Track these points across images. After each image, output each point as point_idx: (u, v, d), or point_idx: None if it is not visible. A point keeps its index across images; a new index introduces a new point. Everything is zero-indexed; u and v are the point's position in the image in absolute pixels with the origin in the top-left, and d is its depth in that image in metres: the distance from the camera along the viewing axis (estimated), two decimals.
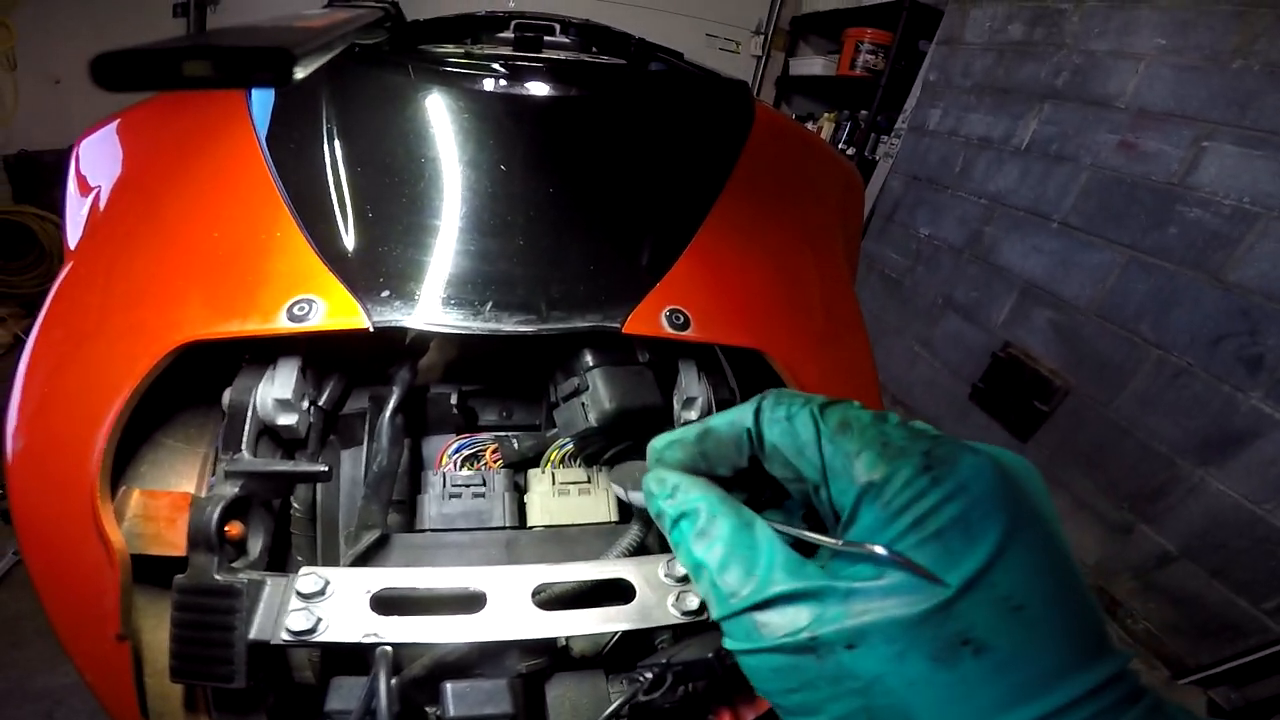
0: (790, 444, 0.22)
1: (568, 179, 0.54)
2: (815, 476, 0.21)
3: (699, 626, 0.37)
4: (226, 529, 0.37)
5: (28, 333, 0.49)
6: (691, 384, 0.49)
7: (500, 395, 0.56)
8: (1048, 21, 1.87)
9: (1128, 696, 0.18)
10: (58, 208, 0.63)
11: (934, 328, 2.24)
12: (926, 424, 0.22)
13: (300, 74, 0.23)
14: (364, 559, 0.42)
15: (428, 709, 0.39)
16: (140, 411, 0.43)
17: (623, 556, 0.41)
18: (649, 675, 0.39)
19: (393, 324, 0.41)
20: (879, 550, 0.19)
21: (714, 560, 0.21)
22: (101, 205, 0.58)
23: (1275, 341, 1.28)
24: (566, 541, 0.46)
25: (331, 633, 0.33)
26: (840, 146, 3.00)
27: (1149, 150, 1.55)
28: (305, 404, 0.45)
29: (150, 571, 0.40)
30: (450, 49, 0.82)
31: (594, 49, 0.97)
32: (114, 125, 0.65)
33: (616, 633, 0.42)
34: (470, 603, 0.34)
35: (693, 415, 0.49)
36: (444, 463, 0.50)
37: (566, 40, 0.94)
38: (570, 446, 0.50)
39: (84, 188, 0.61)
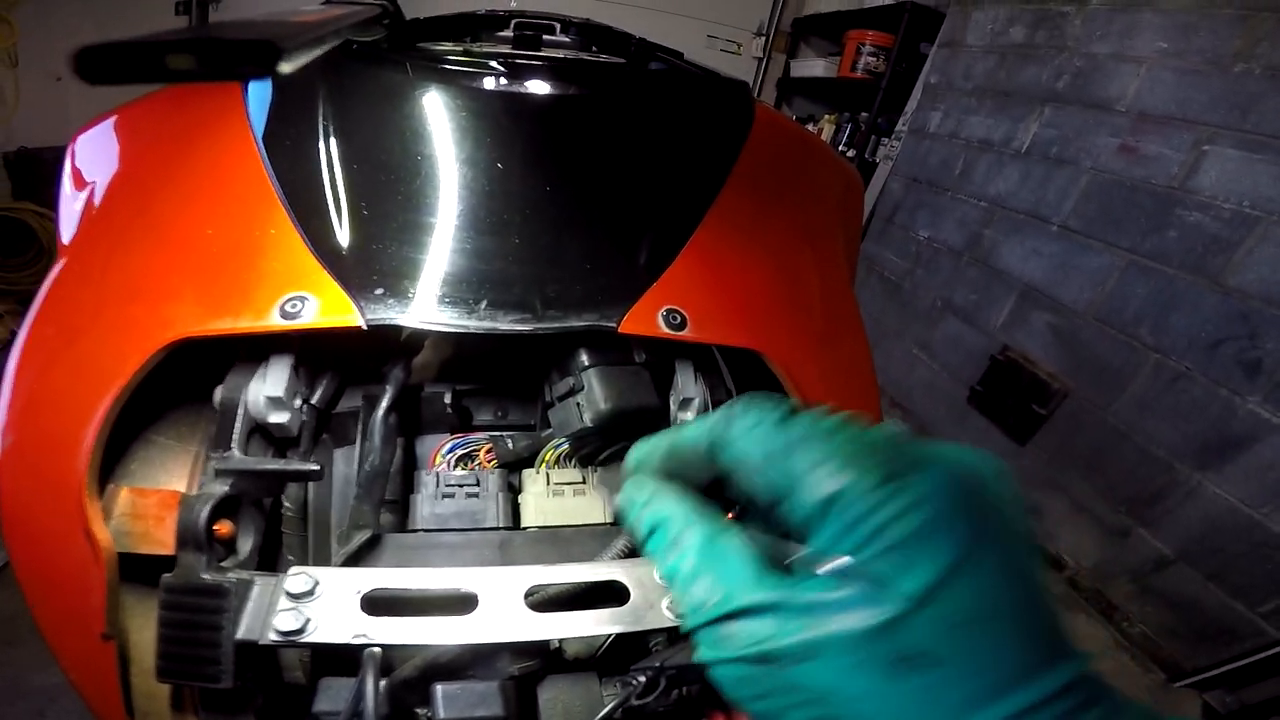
0: (750, 457, 0.22)
1: (565, 177, 0.54)
2: (777, 489, 0.21)
3: None
4: (216, 528, 0.37)
5: None
6: (688, 385, 0.49)
7: (495, 395, 0.55)
8: (1049, 24, 1.87)
9: (1083, 703, 0.18)
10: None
11: (933, 330, 2.24)
12: (894, 427, 0.22)
13: (287, 67, 0.23)
14: (355, 559, 0.41)
15: (419, 711, 0.39)
16: (132, 409, 0.43)
17: (617, 558, 0.41)
18: (642, 679, 0.38)
19: (386, 322, 0.41)
20: (838, 562, 0.19)
21: (684, 571, 0.22)
22: (96, 201, 0.58)
23: (1274, 346, 1.28)
24: (561, 543, 0.46)
25: (320, 633, 0.32)
26: (840, 148, 2.99)
27: (1149, 154, 1.55)
28: (298, 402, 0.45)
29: (139, 570, 0.40)
30: (448, 47, 0.82)
31: (594, 48, 0.97)
32: (110, 121, 0.64)
33: (610, 635, 0.42)
34: (462, 604, 0.34)
35: (689, 416, 0.49)
36: (437, 462, 0.50)
37: (566, 40, 0.94)
38: (565, 447, 0.50)
39: (79, 183, 0.61)
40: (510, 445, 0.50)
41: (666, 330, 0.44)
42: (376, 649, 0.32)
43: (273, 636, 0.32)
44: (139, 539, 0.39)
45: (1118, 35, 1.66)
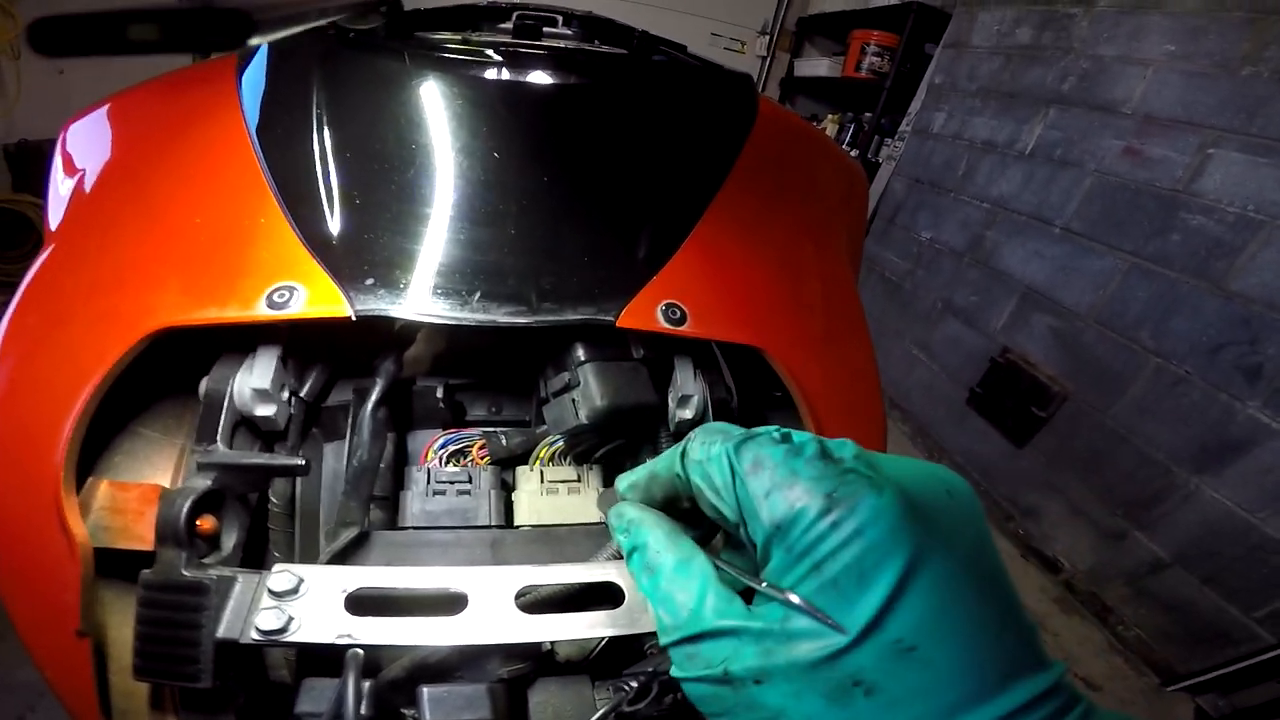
0: (709, 486, 0.23)
1: (564, 169, 0.53)
2: (734, 517, 0.22)
3: None
4: (198, 523, 0.36)
5: None
6: (687, 381, 0.48)
7: (489, 390, 0.54)
8: (1056, 26, 1.86)
9: (1049, 717, 0.18)
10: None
11: (933, 331, 2.23)
12: (850, 444, 0.22)
13: (259, 39, 0.22)
14: (342, 557, 0.40)
15: (405, 712, 0.38)
16: (117, 401, 0.41)
17: (612, 559, 0.40)
18: (635, 684, 0.37)
19: (376, 313, 0.40)
20: (792, 598, 0.20)
21: (658, 592, 0.23)
22: (85, 189, 0.57)
23: (1275, 351, 1.28)
24: (554, 542, 0.45)
25: (303, 633, 0.31)
26: (844, 148, 2.98)
27: (1154, 156, 1.54)
28: (285, 395, 0.44)
29: (119, 566, 0.39)
30: (447, 36, 0.81)
31: (596, 41, 0.96)
32: (104, 109, 0.63)
33: (603, 638, 0.41)
34: (451, 604, 0.33)
35: (688, 414, 0.48)
36: (429, 458, 0.48)
37: (568, 32, 0.93)
38: (560, 444, 0.49)
39: (69, 171, 0.60)
40: (504, 441, 0.49)
41: (665, 325, 0.43)
42: (359, 650, 0.31)
43: (254, 635, 0.31)
44: (118, 534, 0.38)
45: (1125, 37, 1.65)
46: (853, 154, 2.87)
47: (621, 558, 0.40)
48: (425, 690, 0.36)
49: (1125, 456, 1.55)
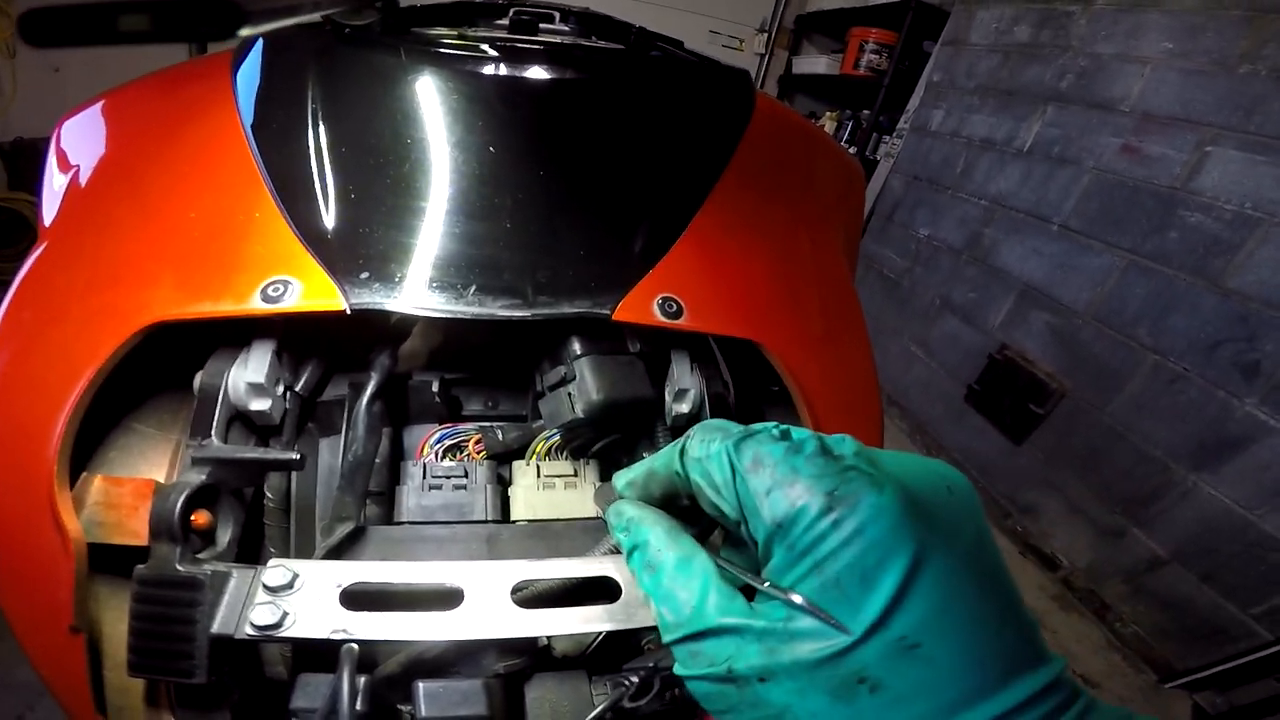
0: (709, 484, 0.23)
1: (560, 163, 0.52)
2: (734, 515, 0.22)
3: None
4: (193, 518, 0.36)
5: None
6: (684, 375, 0.47)
7: (485, 384, 0.54)
8: (1054, 24, 1.86)
9: (1052, 712, 0.18)
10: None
11: (931, 329, 2.23)
12: (849, 440, 0.22)
13: (247, 31, 0.22)
14: (337, 552, 0.40)
15: (402, 708, 0.38)
16: (112, 396, 0.41)
17: (608, 554, 0.40)
18: (635, 679, 0.37)
19: (371, 307, 0.40)
20: (794, 598, 0.20)
21: (659, 591, 0.23)
22: (79, 185, 0.56)
23: (1273, 348, 1.28)
24: (550, 537, 0.44)
25: (298, 628, 0.31)
26: (842, 145, 2.98)
27: (1152, 154, 1.55)
28: (280, 389, 0.43)
29: (113, 561, 0.38)
30: (443, 31, 0.80)
31: (593, 37, 0.95)
32: (98, 105, 0.63)
33: (600, 633, 0.41)
34: (446, 599, 0.33)
35: (684, 408, 0.47)
36: (425, 453, 0.48)
37: (565, 28, 0.92)
38: (556, 439, 0.49)
39: (63, 166, 0.59)
40: (500, 436, 0.49)
41: (662, 319, 0.43)
42: (354, 645, 0.31)
43: (248, 631, 0.31)
44: (112, 529, 0.38)
45: (1123, 35, 1.65)
46: (851, 151, 2.87)
47: (619, 552, 0.40)
48: (421, 685, 0.36)
49: (1123, 453, 1.55)
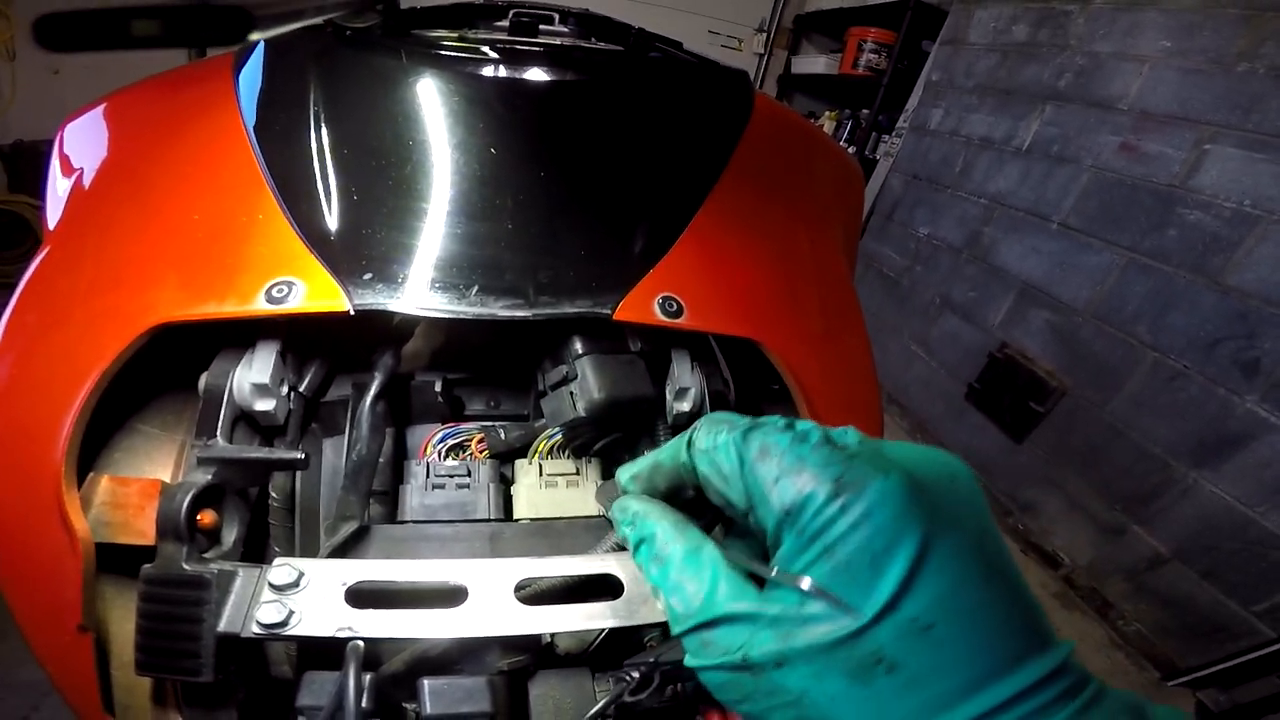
0: (717, 474, 0.23)
1: (560, 164, 0.53)
2: (743, 504, 0.22)
3: None
4: (198, 517, 0.36)
5: None
6: (684, 374, 0.48)
7: (488, 384, 0.54)
8: (1053, 23, 1.86)
9: (1064, 694, 0.18)
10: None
11: (931, 327, 2.24)
12: (853, 431, 0.22)
13: (257, 35, 0.22)
14: (342, 551, 0.40)
15: (406, 706, 0.38)
16: (117, 397, 0.42)
17: (611, 551, 0.40)
18: (635, 675, 0.37)
19: (374, 307, 0.40)
20: (804, 583, 0.20)
21: (668, 582, 0.23)
22: (83, 188, 0.57)
23: (1272, 345, 1.28)
24: (553, 535, 0.45)
25: (304, 626, 0.31)
26: (841, 145, 2.98)
27: (1150, 152, 1.55)
28: (284, 389, 0.44)
29: (120, 561, 0.39)
30: (444, 33, 0.81)
31: (592, 38, 0.96)
32: (100, 109, 0.63)
33: (603, 630, 0.41)
34: (450, 597, 0.33)
35: (685, 406, 0.48)
36: (428, 452, 0.49)
37: (564, 29, 0.93)
38: (559, 437, 0.49)
39: (66, 170, 0.60)
40: (502, 435, 0.49)
41: (662, 318, 0.43)
42: (360, 642, 0.31)
43: (254, 629, 0.31)
44: (119, 529, 0.38)
45: (1121, 34, 1.65)
46: (850, 151, 2.87)
47: (622, 549, 0.40)
48: (426, 682, 0.36)
49: (1123, 451, 1.55)
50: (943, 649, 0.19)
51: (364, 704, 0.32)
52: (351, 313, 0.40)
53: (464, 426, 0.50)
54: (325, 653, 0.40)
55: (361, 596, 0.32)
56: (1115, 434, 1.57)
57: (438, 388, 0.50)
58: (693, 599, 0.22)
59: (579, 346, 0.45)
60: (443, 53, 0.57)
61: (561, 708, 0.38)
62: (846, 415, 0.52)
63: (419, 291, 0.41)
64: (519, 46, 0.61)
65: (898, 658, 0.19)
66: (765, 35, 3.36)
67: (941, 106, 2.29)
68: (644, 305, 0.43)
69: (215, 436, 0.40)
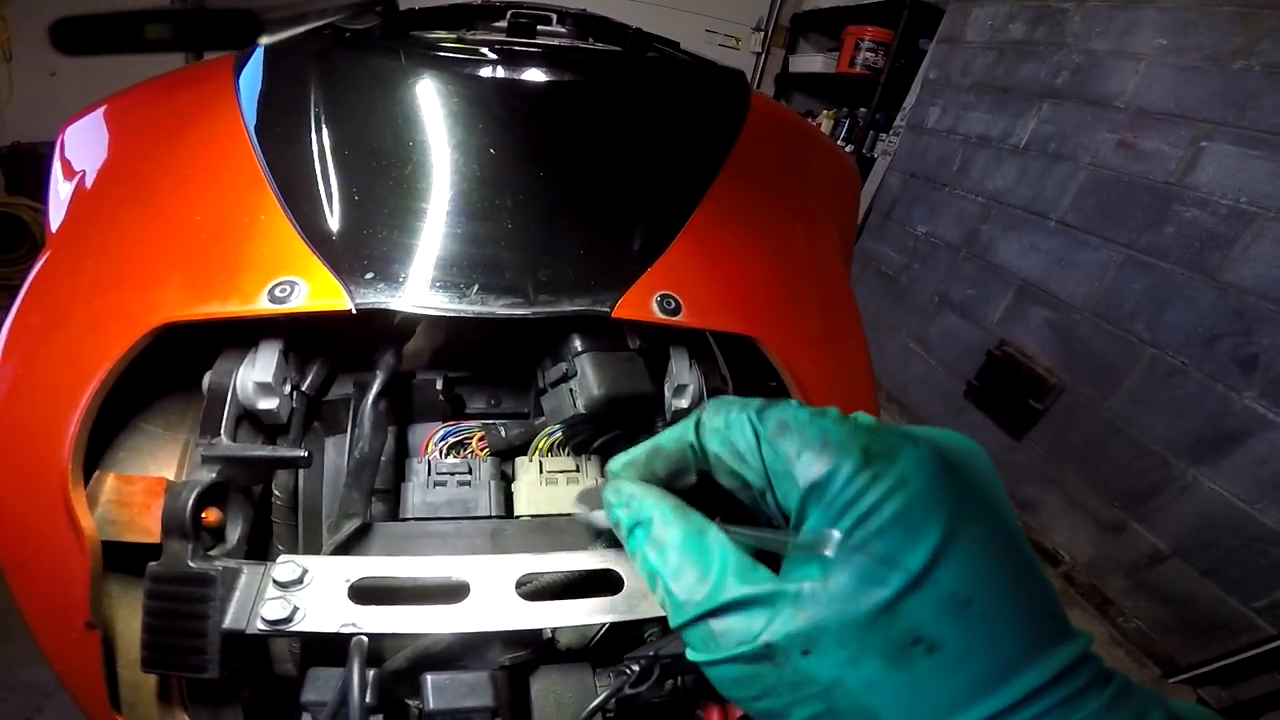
0: (731, 452, 0.22)
1: (559, 164, 0.53)
2: (759, 482, 0.21)
3: None
4: (203, 515, 0.36)
5: None
6: (683, 371, 0.48)
7: (488, 382, 0.55)
8: (1049, 21, 1.86)
9: (1092, 682, 0.18)
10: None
11: (930, 325, 2.24)
12: (864, 414, 0.21)
13: (266, 39, 0.23)
14: (345, 548, 0.41)
15: (410, 702, 0.38)
16: (120, 397, 0.42)
17: (611, 547, 0.40)
18: (635, 668, 0.38)
19: (376, 306, 0.40)
20: (834, 534, 0.18)
21: (668, 568, 0.21)
22: (85, 190, 0.57)
23: (1270, 341, 1.28)
24: (554, 531, 0.45)
25: (308, 622, 0.32)
26: (839, 144, 2.99)
27: (1147, 150, 1.55)
28: (287, 388, 0.44)
29: (126, 559, 0.39)
30: (442, 35, 0.81)
31: (590, 39, 0.96)
32: (100, 111, 0.64)
33: (604, 625, 0.41)
34: (452, 593, 0.33)
35: (684, 403, 0.48)
36: (429, 450, 0.49)
37: (562, 30, 0.93)
38: (559, 435, 0.49)
39: (68, 173, 0.60)
40: (503, 433, 0.50)
41: (660, 316, 0.43)
42: (363, 638, 0.32)
43: (259, 625, 0.32)
44: (124, 527, 0.38)
45: (1117, 32, 1.65)
46: (848, 149, 2.88)
47: (619, 545, 0.40)
48: (428, 678, 0.36)
49: (1122, 448, 1.56)
50: (983, 627, 0.18)
51: (368, 699, 0.32)
52: (353, 312, 0.40)
53: (465, 424, 0.50)
54: (329, 649, 0.40)
55: (364, 593, 0.33)
56: (1114, 431, 1.58)
57: (439, 386, 0.51)
58: (698, 585, 0.20)
59: (578, 344, 0.45)
60: (441, 54, 0.57)
61: (563, 702, 0.39)
62: (843, 411, 0.52)
63: (420, 290, 0.42)
64: (517, 47, 0.62)
65: (938, 636, 0.17)
66: (763, 34, 3.37)
67: (939, 105, 2.29)
68: (642, 303, 0.44)
69: (219, 435, 0.40)
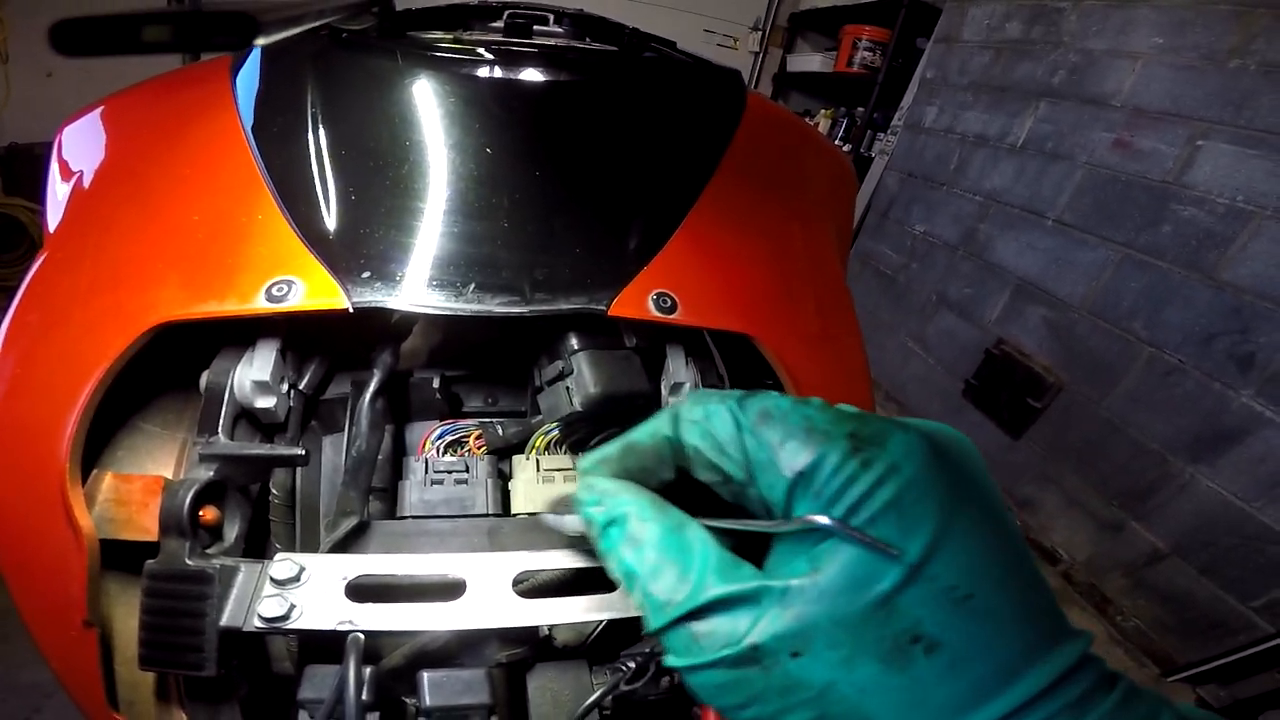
0: (711, 444, 0.21)
1: (555, 163, 0.53)
2: (741, 474, 0.20)
3: None
4: (201, 514, 0.36)
5: None
6: (679, 369, 0.48)
7: (485, 381, 0.55)
8: (1046, 20, 1.87)
9: (1098, 684, 0.17)
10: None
11: (928, 324, 2.24)
12: (848, 406, 0.20)
13: (263, 40, 0.23)
14: (342, 546, 0.41)
15: (406, 699, 0.39)
16: (118, 396, 0.42)
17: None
18: (631, 665, 0.38)
19: (373, 304, 0.40)
20: (822, 520, 0.17)
21: (645, 567, 0.20)
22: (82, 190, 0.57)
23: (1267, 340, 1.29)
24: (550, 529, 0.45)
25: (305, 620, 0.32)
26: (837, 143, 3.00)
27: (1144, 149, 1.55)
28: (284, 387, 0.44)
29: (124, 557, 0.39)
30: (439, 35, 0.81)
31: (587, 39, 0.96)
32: (98, 112, 0.64)
33: (600, 622, 0.41)
34: (449, 591, 0.33)
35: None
36: (427, 449, 0.49)
37: (559, 30, 0.93)
38: (555, 433, 0.49)
39: (65, 174, 0.60)
40: (500, 432, 0.50)
41: (657, 314, 0.43)
42: (360, 635, 0.32)
43: (256, 623, 0.32)
44: (122, 525, 0.38)
45: (1113, 31, 1.66)
46: (846, 149, 2.88)
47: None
48: (425, 675, 0.36)
49: (1120, 447, 1.56)
50: (987, 622, 0.16)
51: (364, 696, 0.32)
52: (350, 310, 0.40)
53: (462, 423, 0.51)
54: (326, 647, 0.41)
55: (361, 591, 0.33)
56: (1112, 429, 1.58)
57: (436, 384, 0.51)
58: (678, 584, 0.19)
59: (574, 342, 0.46)
60: (438, 54, 0.58)
61: (559, 699, 0.39)
62: None
63: (417, 289, 0.42)
64: (513, 47, 0.62)
65: (938, 634, 0.16)
66: (760, 34, 3.37)
67: (936, 104, 2.30)
68: (638, 301, 0.44)
69: (217, 434, 0.40)
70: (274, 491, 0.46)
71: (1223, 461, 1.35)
